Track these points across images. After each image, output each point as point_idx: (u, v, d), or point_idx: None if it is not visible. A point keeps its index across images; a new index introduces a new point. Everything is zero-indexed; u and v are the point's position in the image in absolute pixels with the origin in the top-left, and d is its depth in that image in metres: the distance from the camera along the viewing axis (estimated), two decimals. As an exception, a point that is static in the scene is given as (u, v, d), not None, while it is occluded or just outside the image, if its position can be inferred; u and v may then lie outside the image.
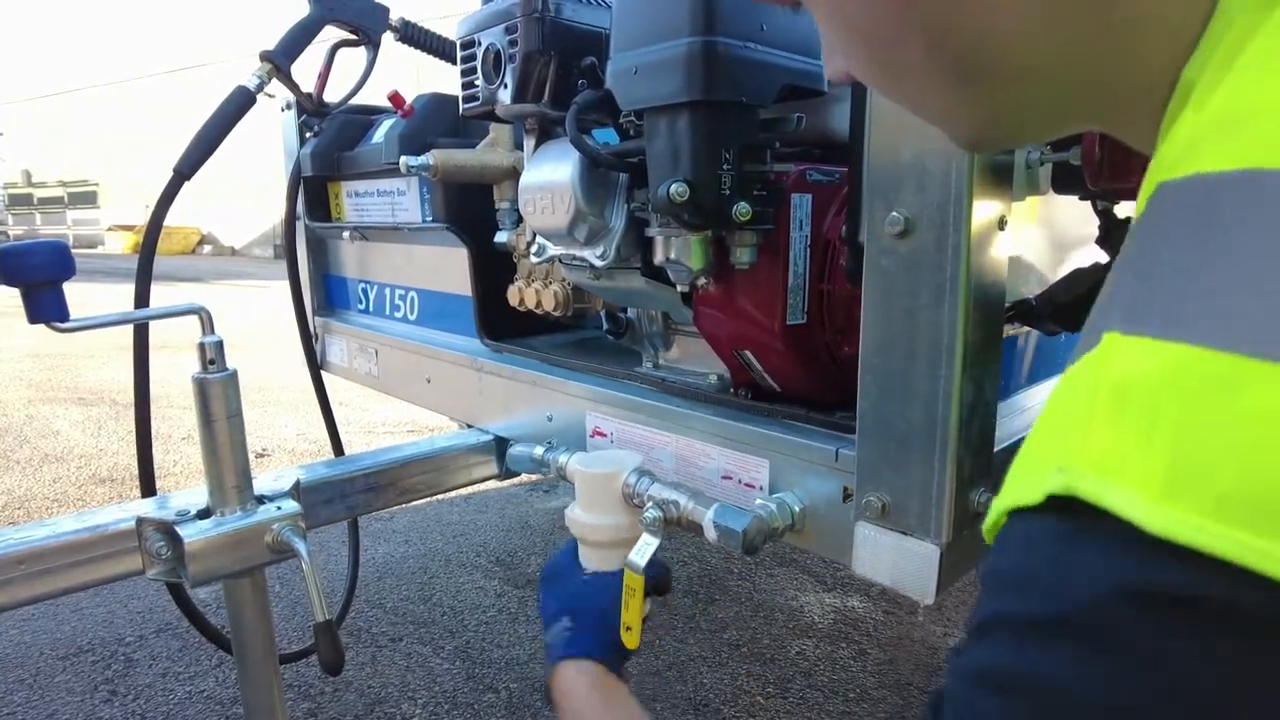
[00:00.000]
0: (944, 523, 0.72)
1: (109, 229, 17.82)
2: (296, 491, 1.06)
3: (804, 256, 0.89)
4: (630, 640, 0.85)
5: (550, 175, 0.92)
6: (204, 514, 0.95)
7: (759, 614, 1.91)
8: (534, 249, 0.98)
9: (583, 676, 0.78)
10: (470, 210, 1.34)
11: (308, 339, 1.70)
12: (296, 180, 1.65)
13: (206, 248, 17.00)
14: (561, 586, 0.89)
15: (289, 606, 1.92)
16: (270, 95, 1.43)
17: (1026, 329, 0.89)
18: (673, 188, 0.75)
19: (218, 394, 0.96)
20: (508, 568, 2.14)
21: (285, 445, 3.18)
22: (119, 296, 8.34)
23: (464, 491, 2.74)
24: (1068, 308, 0.78)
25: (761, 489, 0.88)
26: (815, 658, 1.72)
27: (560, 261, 0.99)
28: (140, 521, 0.93)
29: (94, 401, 3.96)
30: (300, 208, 1.73)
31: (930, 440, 0.72)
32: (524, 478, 2.88)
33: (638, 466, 0.92)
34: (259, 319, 6.68)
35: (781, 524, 0.83)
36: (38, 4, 19.90)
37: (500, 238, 1.29)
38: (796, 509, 0.84)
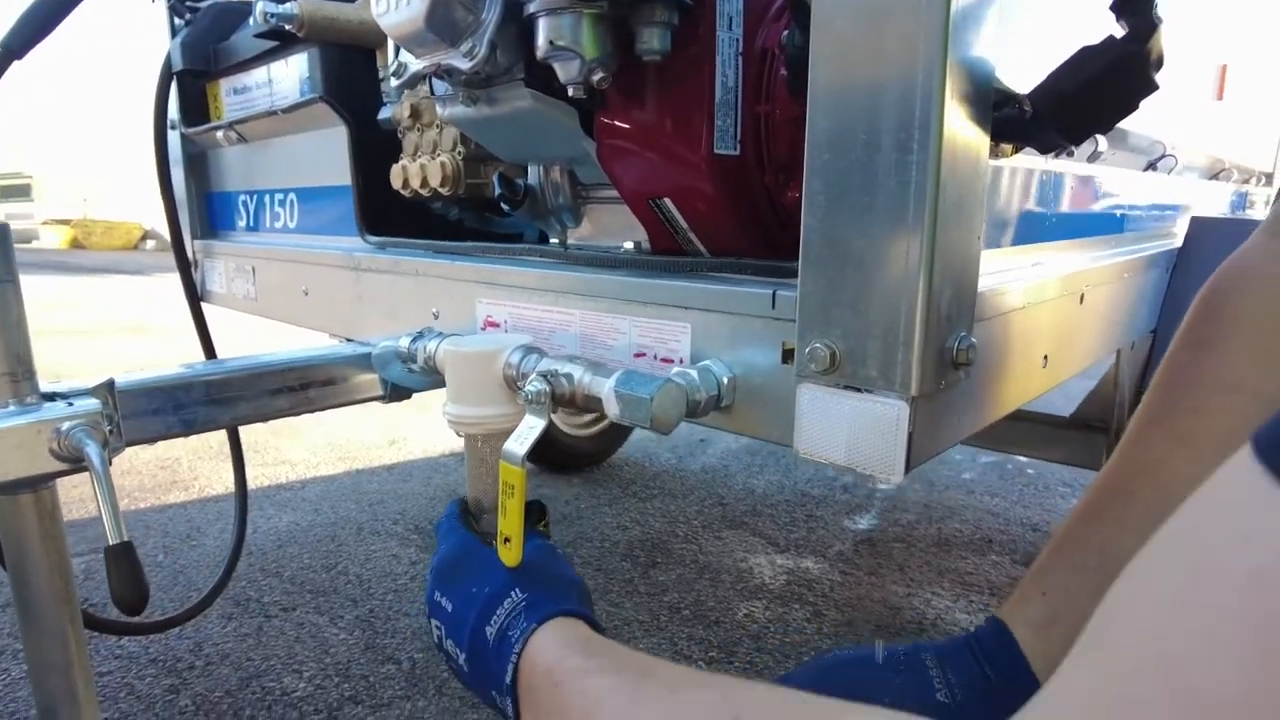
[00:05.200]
0: (913, 370, 0.54)
1: (43, 223, 17.04)
2: (108, 395, 0.83)
3: (734, 66, 0.70)
4: (509, 555, 0.65)
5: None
6: (-40, 408, 0.73)
7: (704, 576, 1.73)
8: (393, 69, 0.77)
9: (573, 642, 0.53)
10: (351, 84, 1.13)
11: (185, 266, 1.47)
12: (167, 76, 1.42)
13: (150, 243, 16.32)
14: (471, 565, 0.65)
15: (170, 576, 1.68)
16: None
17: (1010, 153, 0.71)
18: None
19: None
20: (427, 535, 1.92)
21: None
22: (60, 288, 7.92)
23: (385, 460, 2.51)
24: (1074, 103, 0.60)
25: (682, 361, 0.69)
26: (765, 620, 1.54)
27: (431, 90, 0.79)
28: None
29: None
30: (176, 115, 1.51)
31: (897, 259, 0.53)
32: (452, 444, 2.66)
33: (524, 344, 0.72)
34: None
35: (704, 394, 0.63)
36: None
37: (384, 114, 1.09)
38: (724, 379, 0.65)
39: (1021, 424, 1.54)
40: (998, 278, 0.71)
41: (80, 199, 18.26)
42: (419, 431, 2.82)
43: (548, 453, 2.34)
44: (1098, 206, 1.02)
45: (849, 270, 0.55)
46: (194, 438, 2.67)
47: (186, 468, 2.40)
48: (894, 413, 0.55)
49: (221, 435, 2.60)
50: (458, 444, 2.67)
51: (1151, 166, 1.14)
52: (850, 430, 0.58)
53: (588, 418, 2.46)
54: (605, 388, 0.63)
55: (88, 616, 0.88)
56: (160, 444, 2.62)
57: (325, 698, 1.27)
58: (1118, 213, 1.09)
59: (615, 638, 1.51)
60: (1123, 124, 0.94)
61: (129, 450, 2.38)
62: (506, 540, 0.65)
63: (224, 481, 2.28)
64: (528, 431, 0.64)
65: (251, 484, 2.26)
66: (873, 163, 0.53)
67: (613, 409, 0.62)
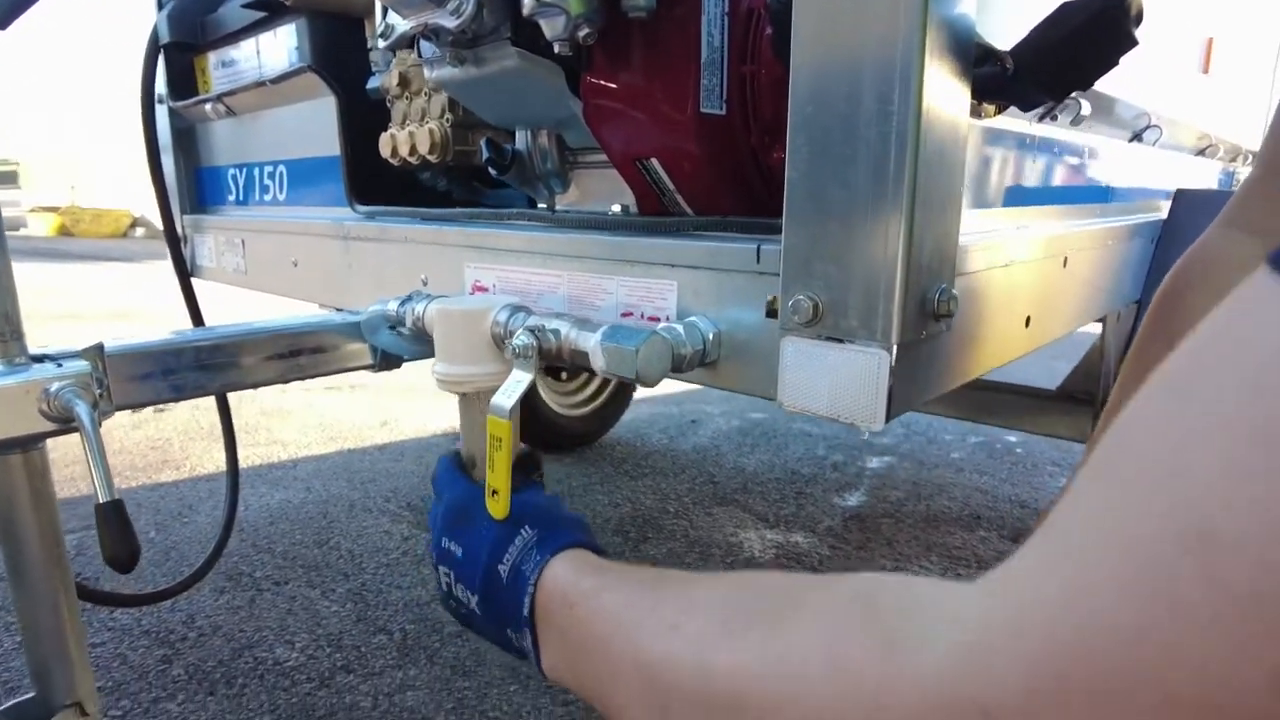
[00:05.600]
0: (893, 320, 0.55)
1: (31, 210, 16.88)
2: (97, 358, 0.84)
3: (720, 26, 0.70)
4: (497, 508, 0.66)
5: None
6: (-51, 369, 0.73)
7: (694, 550, 1.74)
8: (380, 31, 0.77)
9: (585, 567, 0.53)
10: (339, 54, 1.13)
11: (174, 242, 1.47)
12: (154, 49, 1.41)
13: (139, 231, 16.19)
14: (479, 509, 0.63)
15: (162, 552, 1.69)
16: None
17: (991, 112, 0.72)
18: None
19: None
20: (419, 512, 1.93)
21: (189, 402, 2.92)
22: (48, 275, 7.87)
23: (378, 440, 2.52)
24: (1055, 58, 0.60)
25: (669, 319, 0.70)
26: (753, 593, 1.55)
27: (418, 53, 0.79)
28: None
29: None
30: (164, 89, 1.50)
31: (879, 209, 0.54)
32: (443, 425, 2.67)
33: (512, 303, 0.73)
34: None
35: (690, 349, 0.64)
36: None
37: (373, 83, 1.09)
38: (710, 334, 0.66)
39: (1008, 396, 1.55)
40: (981, 236, 0.71)
41: (68, 186, 18.10)
42: (410, 413, 2.83)
43: (539, 432, 2.35)
44: (1082, 174, 1.03)
45: (831, 222, 0.56)
46: (185, 418, 2.68)
47: (178, 448, 2.40)
48: (875, 362, 0.56)
49: (213, 417, 2.60)
50: (449, 424, 2.68)
51: (1137, 137, 1.15)
52: (832, 381, 0.58)
53: (580, 398, 2.47)
54: (591, 341, 0.64)
55: (81, 588, 0.88)
56: (151, 425, 2.62)
57: (317, 667, 1.28)
58: (1102, 182, 1.09)
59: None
60: (1108, 92, 0.95)
61: (120, 430, 2.41)
62: (494, 493, 0.66)
63: (215, 461, 2.28)
64: (514, 385, 0.64)
65: (243, 463, 2.26)
66: (854, 115, 0.54)
67: (599, 362, 0.63)
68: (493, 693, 1.22)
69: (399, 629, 1.39)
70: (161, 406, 2.85)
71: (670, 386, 3.33)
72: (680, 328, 0.65)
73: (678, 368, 0.64)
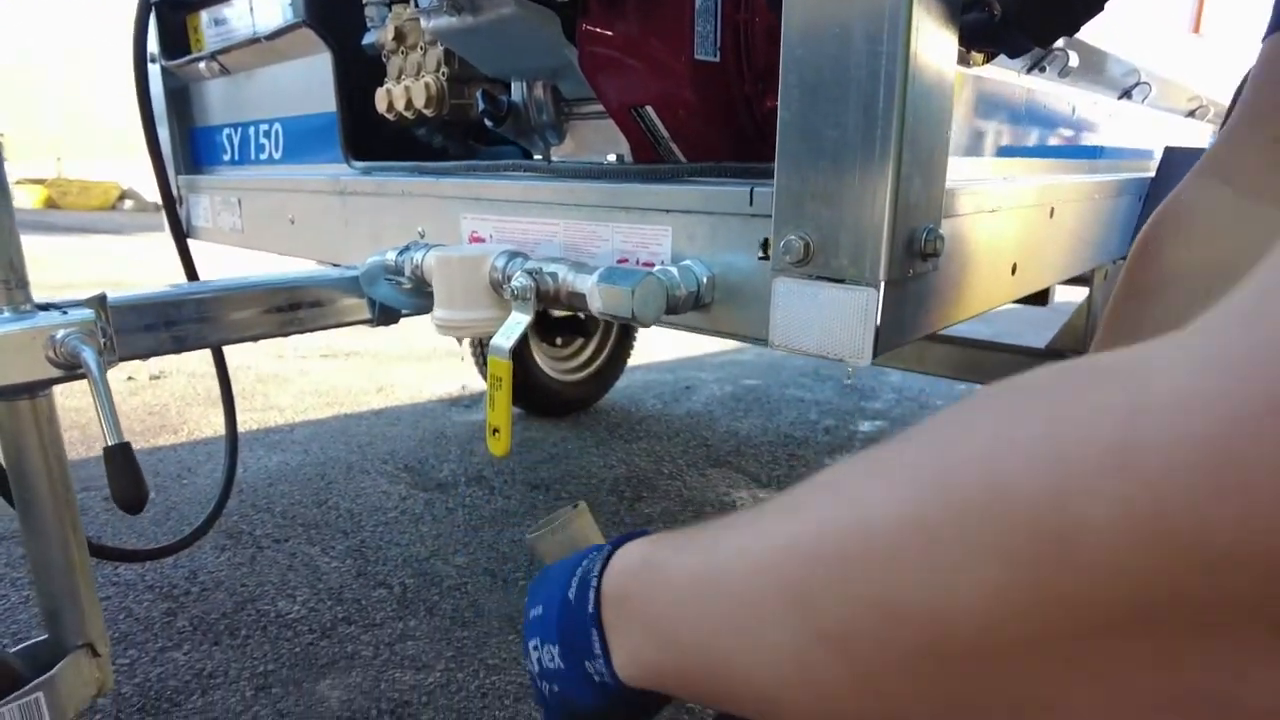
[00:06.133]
0: (881, 258, 0.56)
1: (16, 182, 16.69)
2: (101, 307, 0.85)
3: (714, -27, 0.71)
4: (498, 445, 0.68)
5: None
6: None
7: (688, 509, 1.77)
8: (379, -22, 0.78)
9: (644, 549, 0.44)
10: (334, 8, 1.13)
11: (169, 202, 1.47)
12: (146, 7, 1.40)
13: (128, 203, 16.04)
14: (548, 570, 0.54)
15: (162, 512, 1.71)
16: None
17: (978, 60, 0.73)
18: None
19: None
20: (416, 474, 1.95)
21: (184, 369, 2.92)
22: (35, 246, 7.79)
23: (374, 405, 2.53)
24: (1042, 3, 0.62)
25: (664, 263, 0.71)
26: (746, 549, 1.59)
27: (415, 2, 0.80)
28: None
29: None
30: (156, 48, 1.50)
31: (868, 148, 0.55)
32: (440, 391, 2.68)
33: (510, 250, 0.74)
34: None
35: (684, 291, 0.66)
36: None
37: (368, 38, 1.09)
38: (704, 277, 0.67)
39: (997, 355, 1.58)
40: (969, 182, 0.73)
41: (54, 158, 17.90)
42: (406, 379, 2.84)
43: (535, 398, 2.37)
44: (1071, 129, 1.04)
45: (822, 162, 0.58)
46: (182, 385, 2.69)
47: (175, 413, 2.41)
48: (863, 299, 0.58)
49: (209, 384, 2.61)
50: (445, 390, 2.70)
51: (1126, 95, 1.16)
52: (822, 319, 0.60)
53: (575, 363, 2.49)
54: (588, 283, 0.65)
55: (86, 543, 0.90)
56: (148, 392, 2.63)
57: (319, 619, 1.30)
58: (1091, 139, 1.11)
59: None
60: (1097, 46, 0.96)
61: (117, 396, 2.41)
62: (495, 431, 0.68)
63: (212, 426, 2.30)
64: (514, 326, 0.66)
65: (241, 428, 2.28)
66: (845, 57, 0.55)
67: (596, 303, 0.65)
68: (491, 641, 1.25)
69: (399, 583, 1.42)
70: (158, 373, 2.86)
71: (665, 354, 3.35)
72: (675, 270, 0.66)
73: (673, 309, 0.66)
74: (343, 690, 1.12)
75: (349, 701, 1.10)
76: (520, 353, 2.31)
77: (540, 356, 2.38)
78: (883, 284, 0.57)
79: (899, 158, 0.55)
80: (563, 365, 2.47)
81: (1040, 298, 1.84)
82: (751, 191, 0.64)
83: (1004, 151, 0.85)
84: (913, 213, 0.58)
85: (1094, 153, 1.12)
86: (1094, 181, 1.00)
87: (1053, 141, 0.98)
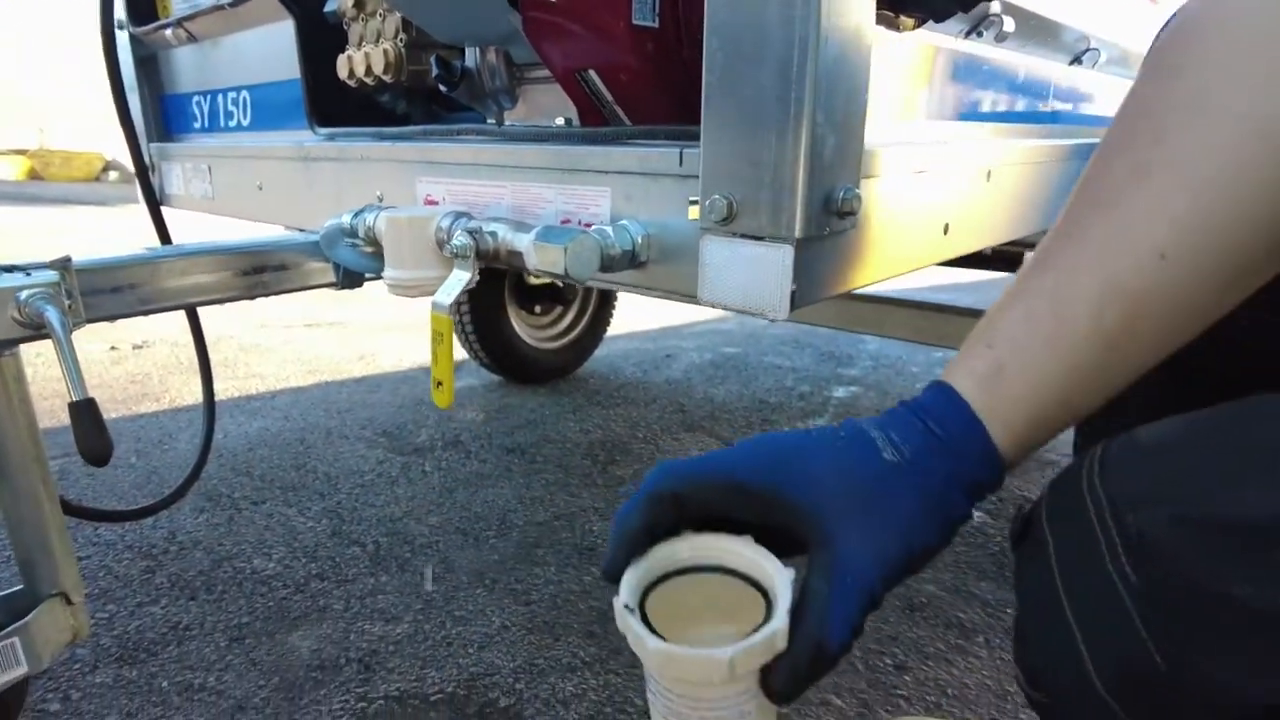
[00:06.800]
0: (796, 214, 0.59)
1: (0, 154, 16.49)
2: (65, 269, 0.87)
3: (651, -61, 0.73)
4: (442, 397, 0.72)
5: None
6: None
7: (658, 472, 1.81)
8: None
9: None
10: (296, -26, 1.14)
11: (142, 170, 1.49)
12: (112, -28, 1.41)
13: (112, 174, 15.86)
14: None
15: (143, 476, 1.74)
16: None
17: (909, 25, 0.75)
18: None
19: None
20: (394, 438, 1.99)
21: (167, 338, 2.94)
22: (15, 217, 7.75)
23: (355, 373, 2.56)
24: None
25: (602, 223, 0.74)
26: (713, 509, 1.63)
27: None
28: None
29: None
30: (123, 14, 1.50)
31: (783, 109, 0.58)
32: (421, 359, 2.71)
33: (455, 210, 0.77)
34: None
35: (619, 249, 0.69)
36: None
37: (330, 6, 1.11)
38: (639, 237, 0.70)
39: (960, 318, 1.61)
40: (897, 144, 0.76)
41: (36, 129, 17.67)
42: (387, 348, 2.87)
43: (514, 366, 2.40)
44: (1016, 94, 1.06)
45: (743, 123, 0.60)
46: (164, 354, 2.71)
47: (157, 381, 2.44)
48: (780, 255, 0.61)
49: (191, 353, 2.64)
50: (427, 359, 2.72)
51: (1076, 60, 1.19)
52: (745, 276, 0.63)
53: (554, 331, 2.52)
54: (525, 241, 0.68)
55: (65, 504, 0.94)
56: (131, 361, 2.65)
57: (293, 575, 1.34)
58: (1039, 104, 1.13)
59: (572, 522, 1.60)
60: (1034, 9, 0.98)
61: (99, 366, 2.45)
62: (439, 384, 0.71)
63: (194, 394, 2.32)
64: (454, 284, 0.69)
65: (221, 395, 2.31)
66: (762, 18, 0.58)
67: (531, 260, 0.68)
68: (460, 595, 1.29)
69: (372, 542, 1.46)
70: (141, 343, 2.88)
71: (646, 323, 3.38)
72: (610, 230, 0.69)
73: (608, 267, 0.69)
74: (314, 640, 1.17)
75: (319, 650, 1.14)
76: (499, 320, 2.34)
77: (519, 324, 2.41)
78: (798, 240, 0.60)
79: (813, 118, 0.58)
80: (542, 333, 2.50)
81: (1012, 264, 1.87)
82: (681, 153, 0.66)
83: (937, 108, 0.88)
84: (829, 172, 0.61)
85: (1041, 118, 1.15)
86: (1035, 145, 1.03)
87: (993, 103, 1.00)
